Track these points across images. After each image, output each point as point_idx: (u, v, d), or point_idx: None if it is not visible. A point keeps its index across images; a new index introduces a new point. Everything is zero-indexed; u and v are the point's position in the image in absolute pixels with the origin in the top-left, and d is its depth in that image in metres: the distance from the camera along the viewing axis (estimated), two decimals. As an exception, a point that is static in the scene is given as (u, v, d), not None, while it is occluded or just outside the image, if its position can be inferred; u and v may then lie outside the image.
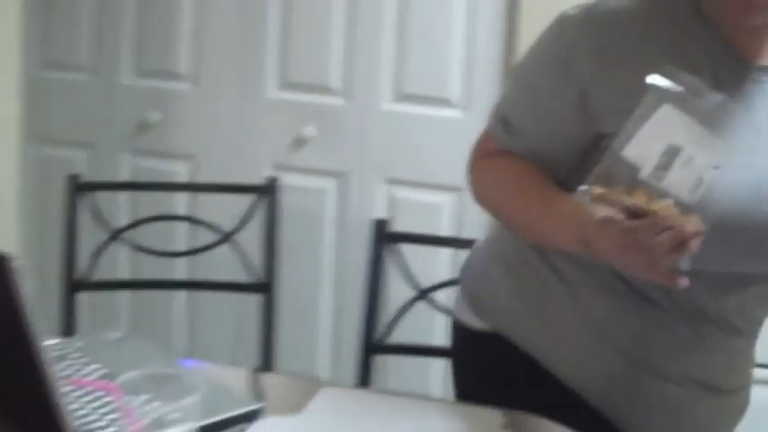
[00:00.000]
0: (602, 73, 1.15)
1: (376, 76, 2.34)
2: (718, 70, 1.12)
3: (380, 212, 2.30)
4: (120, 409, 0.95)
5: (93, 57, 2.54)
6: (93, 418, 1.08)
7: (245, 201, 1.85)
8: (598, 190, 1.01)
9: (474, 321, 1.32)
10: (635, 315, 1.20)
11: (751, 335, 1.27)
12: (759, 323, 1.28)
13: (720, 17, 1.12)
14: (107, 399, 1.11)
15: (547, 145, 1.23)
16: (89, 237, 1.92)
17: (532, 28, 1.28)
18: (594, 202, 1.02)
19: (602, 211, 1.02)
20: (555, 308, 1.24)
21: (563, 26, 1.21)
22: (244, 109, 2.44)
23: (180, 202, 2.46)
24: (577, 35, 1.18)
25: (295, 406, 1.15)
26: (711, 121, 1.02)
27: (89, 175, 2.53)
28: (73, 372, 1.19)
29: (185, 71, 2.47)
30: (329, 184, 2.42)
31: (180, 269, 2.36)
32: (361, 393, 1.21)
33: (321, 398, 1.18)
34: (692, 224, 0.98)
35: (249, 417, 1.12)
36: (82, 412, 1.09)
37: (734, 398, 1.29)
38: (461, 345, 1.37)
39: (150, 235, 1.91)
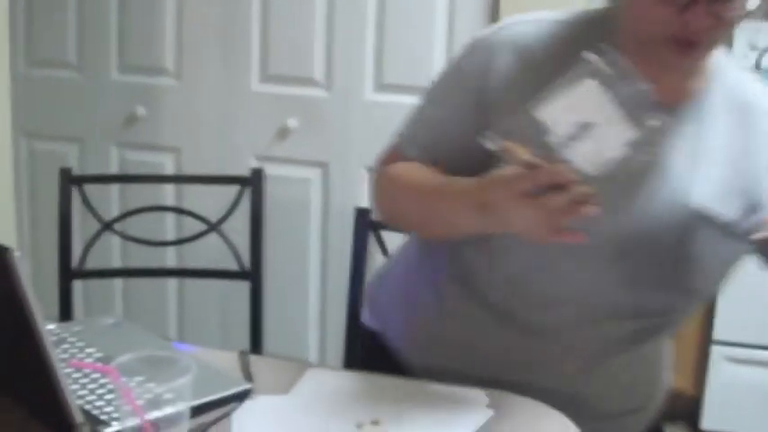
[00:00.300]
0: (507, 96, 1.17)
1: (357, 67, 2.38)
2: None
3: (363, 201, 2.35)
4: (117, 389, 0.99)
5: (79, 54, 2.58)
6: (92, 398, 1.13)
7: (230, 191, 1.90)
8: (504, 142, 1.02)
9: (366, 318, 1.43)
10: (513, 348, 1.24)
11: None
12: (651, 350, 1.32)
13: (638, 55, 1.11)
14: (104, 380, 1.17)
15: (452, 162, 1.21)
16: (81, 227, 1.97)
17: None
18: (497, 151, 1.02)
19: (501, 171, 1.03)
20: (426, 322, 1.31)
21: (475, 47, 1.23)
22: (227, 102, 2.48)
23: (167, 194, 2.50)
24: (488, 57, 1.20)
25: (283, 387, 1.20)
26: (630, 107, 1.03)
27: (79, 168, 2.58)
28: (71, 355, 1.24)
29: (169, 66, 2.50)
30: (313, 174, 2.47)
31: (170, 258, 2.41)
32: (347, 374, 1.25)
33: (308, 379, 1.23)
34: (587, 188, 0.99)
35: (239, 397, 1.16)
36: (82, 392, 1.14)
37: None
38: (359, 338, 1.46)
39: (140, 225, 1.96)
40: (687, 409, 2.75)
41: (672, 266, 1.18)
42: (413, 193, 1.23)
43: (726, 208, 1.17)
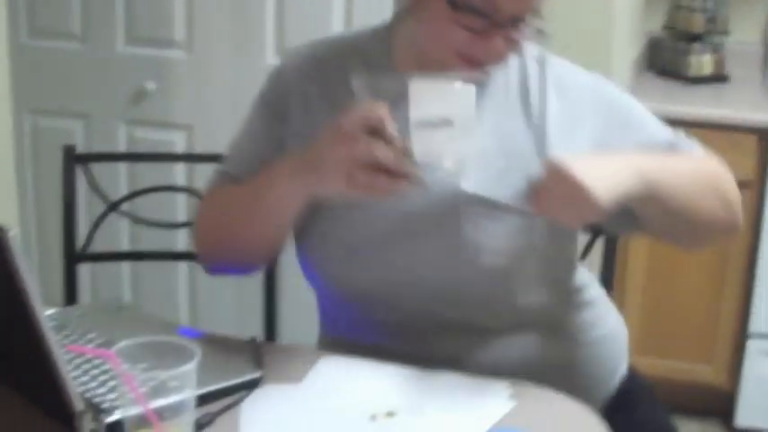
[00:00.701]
0: (301, 118, 1.30)
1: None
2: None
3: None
4: (118, 376, 0.98)
5: (84, 24, 2.56)
6: (93, 385, 1.12)
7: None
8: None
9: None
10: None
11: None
12: None
13: (419, 68, 1.17)
14: (107, 367, 1.15)
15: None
16: (88, 209, 1.96)
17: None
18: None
19: None
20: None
21: (278, 71, 1.37)
22: (241, 76, 2.46)
23: (178, 173, 2.49)
24: (287, 81, 1.34)
25: (295, 376, 1.19)
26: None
27: (85, 145, 2.57)
28: (71, 341, 1.23)
29: (180, 38, 2.49)
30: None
31: (180, 240, 2.40)
32: (363, 363, 1.24)
33: (322, 367, 1.22)
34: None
35: (248, 385, 1.15)
36: (83, 379, 1.13)
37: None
38: None
39: (149, 206, 1.95)
40: (721, 404, 2.72)
41: (455, 248, 1.24)
42: (232, 195, 1.32)
43: (498, 190, 1.23)
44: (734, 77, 2.90)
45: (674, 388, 2.72)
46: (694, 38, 2.86)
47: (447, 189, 1.23)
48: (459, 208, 1.24)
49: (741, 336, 2.63)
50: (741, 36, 2.96)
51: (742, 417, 2.66)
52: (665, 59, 2.96)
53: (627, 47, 2.55)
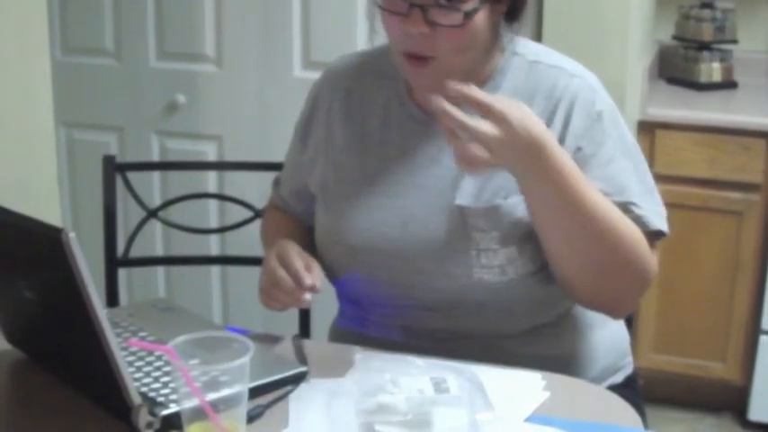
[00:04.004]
0: (322, 131, 1.37)
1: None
2: (390, 117, 1.32)
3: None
4: (175, 370, 0.99)
5: (117, 41, 2.59)
6: (148, 380, 1.13)
7: (271, 178, 1.89)
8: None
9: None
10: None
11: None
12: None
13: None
14: (159, 363, 1.17)
15: (296, 194, 1.46)
16: (123, 216, 1.97)
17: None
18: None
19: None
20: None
21: (311, 92, 1.43)
22: (269, 89, 2.48)
23: (209, 182, 2.50)
24: (317, 93, 1.40)
25: (337, 370, 1.19)
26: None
27: (119, 157, 2.58)
28: (122, 339, 1.24)
29: (210, 53, 2.51)
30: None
31: (213, 245, 2.42)
32: (398, 357, 1.24)
33: (361, 362, 1.21)
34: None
35: (295, 379, 1.16)
36: (137, 375, 1.14)
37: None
38: None
39: (181, 213, 1.96)
40: (735, 399, 2.72)
41: (443, 244, 1.25)
42: (267, 227, 1.54)
43: (487, 202, 1.24)
44: (742, 84, 2.90)
45: (690, 384, 2.72)
46: (703, 46, 2.87)
47: (443, 203, 1.26)
48: (454, 220, 1.25)
49: (754, 333, 2.63)
50: (749, 44, 2.96)
51: (755, 411, 2.66)
52: (675, 67, 2.96)
53: (639, 56, 2.56)
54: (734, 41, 2.89)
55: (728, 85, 2.89)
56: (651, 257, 1.23)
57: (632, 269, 1.21)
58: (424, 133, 1.30)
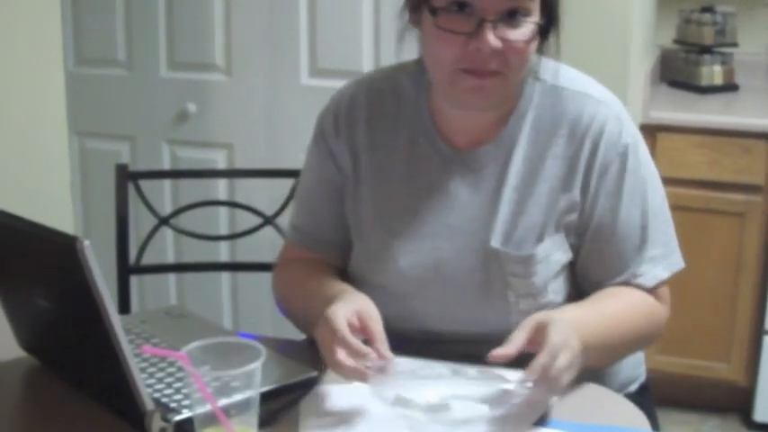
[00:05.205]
0: (355, 157, 1.28)
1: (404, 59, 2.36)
2: (416, 150, 1.25)
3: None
4: (188, 376, 0.99)
5: (128, 52, 2.59)
6: (160, 386, 1.13)
7: (280, 185, 1.89)
8: None
9: None
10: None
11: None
12: None
13: (446, 101, 1.21)
14: (171, 369, 1.16)
15: (329, 234, 1.33)
16: (135, 223, 1.97)
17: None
18: None
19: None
20: None
21: (319, 122, 1.33)
22: (277, 97, 2.48)
23: (219, 190, 2.51)
24: (328, 125, 1.31)
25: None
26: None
27: (131, 165, 2.58)
28: (135, 345, 1.24)
29: (219, 62, 2.51)
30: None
31: (223, 252, 2.41)
32: (408, 361, 1.23)
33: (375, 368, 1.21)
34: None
35: (306, 384, 1.16)
36: (149, 381, 1.13)
37: None
38: None
39: (191, 220, 1.96)
40: (740, 400, 2.70)
41: (478, 289, 1.22)
42: (293, 287, 1.34)
43: (520, 244, 1.21)
44: (743, 86, 2.90)
45: (695, 385, 2.71)
46: (704, 50, 2.86)
47: (476, 245, 1.22)
48: (490, 264, 1.22)
49: (757, 334, 2.61)
50: (749, 47, 2.95)
51: (760, 412, 2.64)
52: (677, 71, 2.96)
53: (641, 60, 2.55)
54: (734, 44, 2.88)
55: (730, 87, 2.88)
56: (664, 315, 1.29)
57: (652, 340, 1.30)
58: (450, 171, 1.25)
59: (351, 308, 1.11)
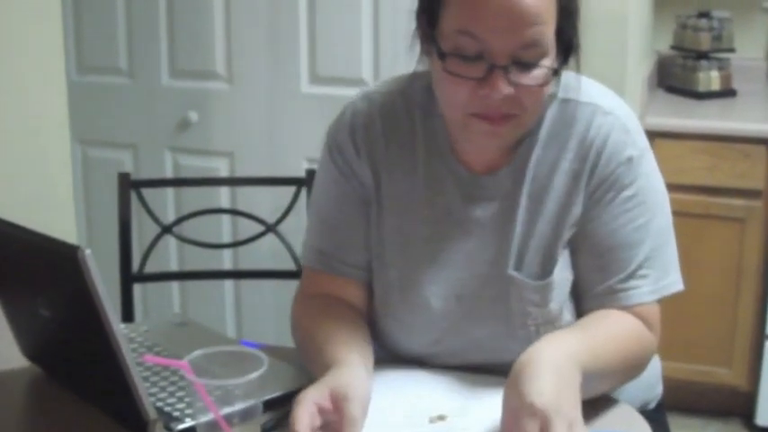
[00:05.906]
0: (376, 176, 1.22)
1: (406, 69, 2.35)
2: (433, 174, 1.19)
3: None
4: (190, 385, 0.98)
5: (130, 60, 2.59)
6: (163, 395, 1.12)
7: (282, 193, 1.88)
8: None
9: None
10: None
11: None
12: None
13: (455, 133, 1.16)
14: (174, 378, 1.16)
15: (357, 256, 1.24)
16: (138, 231, 1.97)
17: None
18: None
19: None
20: None
21: (332, 137, 1.25)
22: (278, 104, 2.47)
23: (221, 198, 2.50)
24: (344, 142, 1.23)
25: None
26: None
27: (133, 173, 2.58)
28: (138, 354, 1.23)
29: (220, 71, 2.50)
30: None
31: (226, 260, 2.41)
32: (408, 371, 1.22)
33: (375, 374, 1.21)
34: None
35: (308, 391, 1.15)
36: (152, 390, 1.13)
37: None
38: None
39: (194, 229, 1.96)
40: (742, 405, 2.69)
41: (500, 319, 1.19)
42: (307, 334, 1.21)
43: (533, 268, 1.17)
44: (741, 92, 2.89)
45: (697, 390, 2.70)
46: (701, 55, 2.86)
47: (495, 273, 1.19)
48: (510, 294, 1.18)
49: (759, 338, 2.61)
50: (746, 52, 2.95)
51: (762, 416, 2.63)
52: (674, 77, 2.95)
53: (638, 66, 2.55)
54: (731, 50, 2.88)
55: (727, 93, 2.87)
56: (653, 341, 1.20)
57: (644, 366, 1.21)
58: (468, 195, 1.19)
59: (324, 389, 1.02)
